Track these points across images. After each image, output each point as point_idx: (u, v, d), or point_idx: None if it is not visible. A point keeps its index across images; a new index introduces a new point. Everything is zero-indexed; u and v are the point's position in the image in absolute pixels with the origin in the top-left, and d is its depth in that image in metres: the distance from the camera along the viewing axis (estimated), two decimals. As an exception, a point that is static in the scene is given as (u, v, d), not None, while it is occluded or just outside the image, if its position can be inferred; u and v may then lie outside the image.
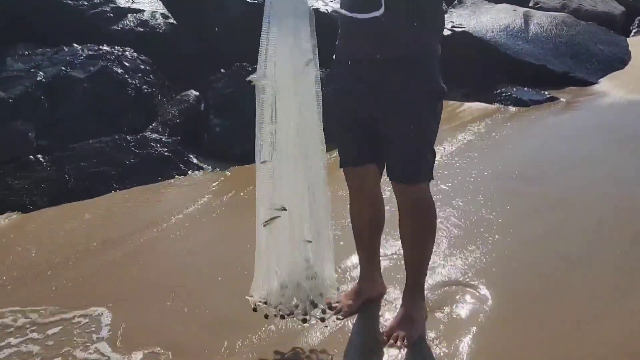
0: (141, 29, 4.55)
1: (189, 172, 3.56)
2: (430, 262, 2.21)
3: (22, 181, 3.22)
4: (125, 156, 3.48)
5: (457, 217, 2.95)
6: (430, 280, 2.40)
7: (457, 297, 2.35)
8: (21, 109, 3.60)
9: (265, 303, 1.98)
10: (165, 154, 3.57)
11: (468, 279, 2.46)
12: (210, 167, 3.65)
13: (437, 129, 2.03)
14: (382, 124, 1.99)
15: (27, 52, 4.07)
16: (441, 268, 2.53)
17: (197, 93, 4.13)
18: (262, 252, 1.97)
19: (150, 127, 3.84)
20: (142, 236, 2.85)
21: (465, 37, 5.13)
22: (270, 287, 1.98)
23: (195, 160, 3.68)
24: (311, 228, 1.96)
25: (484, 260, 2.60)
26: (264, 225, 1.91)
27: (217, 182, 3.45)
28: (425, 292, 2.26)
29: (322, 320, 2.02)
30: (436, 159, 2.06)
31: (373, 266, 2.33)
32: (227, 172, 3.59)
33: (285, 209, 1.90)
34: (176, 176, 3.51)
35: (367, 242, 2.28)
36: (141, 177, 3.42)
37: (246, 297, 2.02)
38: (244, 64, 4.08)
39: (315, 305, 1.98)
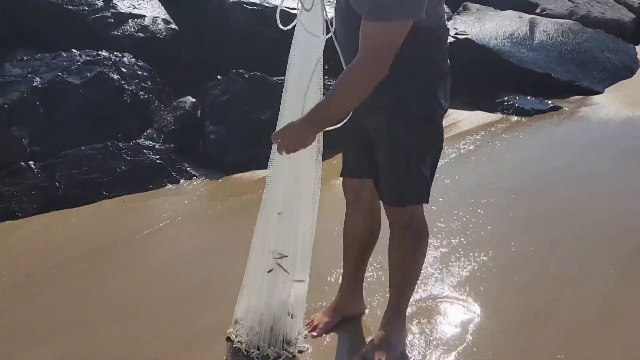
0: (142, 35, 4.53)
1: (181, 181, 3.52)
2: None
3: (12, 188, 3.19)
4: (117, 163, 3.44)
5: (449, 230, 2.90)
6: (417, 295, 2.35)
7: (444, 313, 2.32)
8: (16, 115, 3.58)
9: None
10: (157, 161, 3.52)
11: (456, 294, 2.43)
12: (203, 175, 3.59)
13: (428, 153, 1.90)
14: (373, 141, 1.93)
15: (25, 57, 4.07)
16: (429, 282, 2.49)
17: (194, 100, 4.09)
18: (250, 288, 2.06)
19: (145, 133, 3.80)
20: (127, 247, 2.82)
21: (468, 45, 5.05)
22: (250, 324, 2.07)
23: (188, 169, 3.64)
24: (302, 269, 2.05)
25: (476, 275, 2.57)
26: (268, 272, 2.00)
27: (208, 192, 3.41)
28: (411, 307, 2.21)
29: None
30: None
31: (356, 283, 2.28)
32: (219, 181, 3.54)
33: (286, 256, 1.97)
34: (168, 184, 3.47)
35: (355, 257, 2.23)
36: (132, 185, 3.38)
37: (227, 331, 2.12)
38: (241, 70, 4.06)
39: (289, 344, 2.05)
